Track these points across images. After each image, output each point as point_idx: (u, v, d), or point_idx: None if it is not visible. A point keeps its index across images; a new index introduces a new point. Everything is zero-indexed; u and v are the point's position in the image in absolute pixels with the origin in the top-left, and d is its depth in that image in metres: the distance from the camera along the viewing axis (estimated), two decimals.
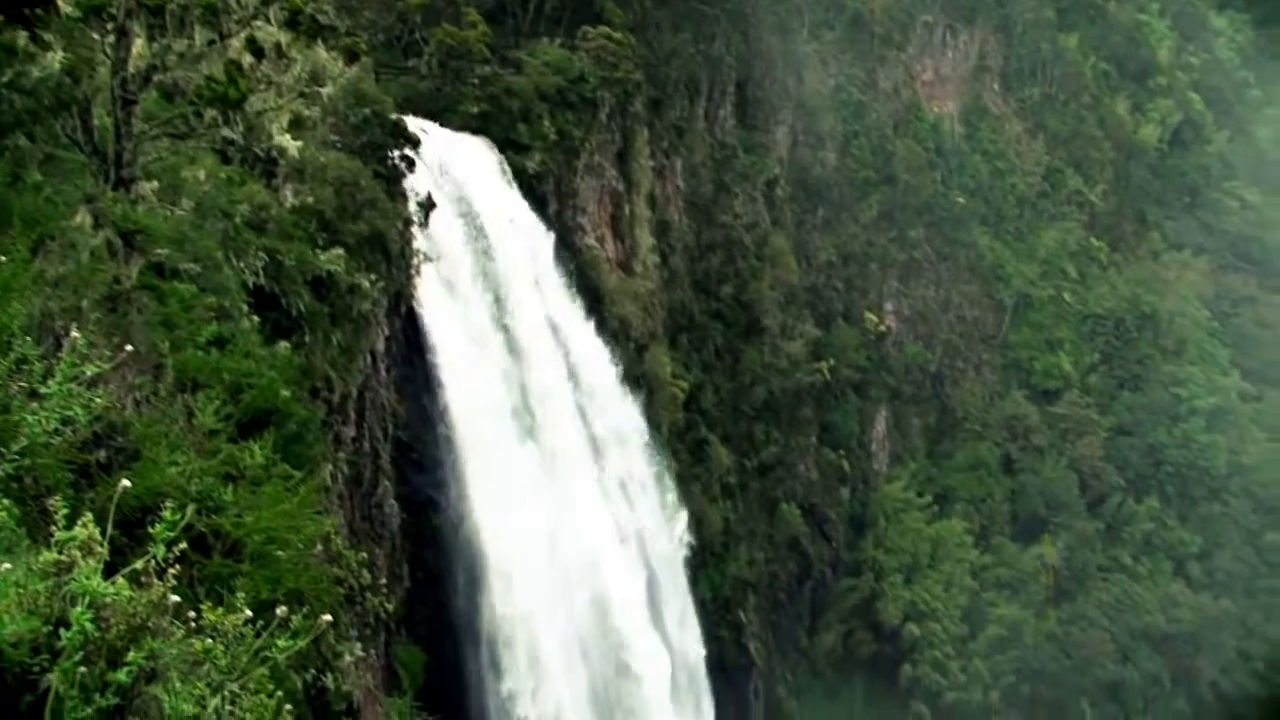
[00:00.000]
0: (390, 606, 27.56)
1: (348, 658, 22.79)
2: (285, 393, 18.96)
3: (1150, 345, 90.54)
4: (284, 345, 22.56)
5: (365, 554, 26.21)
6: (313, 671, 19.77)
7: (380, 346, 30.63)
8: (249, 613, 6.54)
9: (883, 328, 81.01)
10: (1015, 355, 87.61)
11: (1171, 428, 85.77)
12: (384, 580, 27.95)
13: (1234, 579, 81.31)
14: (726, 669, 63.31)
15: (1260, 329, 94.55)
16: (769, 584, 69.40)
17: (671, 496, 54.05)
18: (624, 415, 50.13)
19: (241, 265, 21.52)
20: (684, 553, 55.48)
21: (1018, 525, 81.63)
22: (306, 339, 24.45)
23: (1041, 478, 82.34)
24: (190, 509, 7.86)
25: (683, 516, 55.07)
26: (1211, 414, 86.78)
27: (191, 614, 6.44)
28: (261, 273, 22.26)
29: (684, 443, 59.12)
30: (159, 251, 17.82)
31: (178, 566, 6.47)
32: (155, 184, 19.85)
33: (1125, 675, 76.20)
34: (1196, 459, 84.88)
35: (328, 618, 7.39)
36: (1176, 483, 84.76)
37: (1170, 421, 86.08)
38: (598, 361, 48.16)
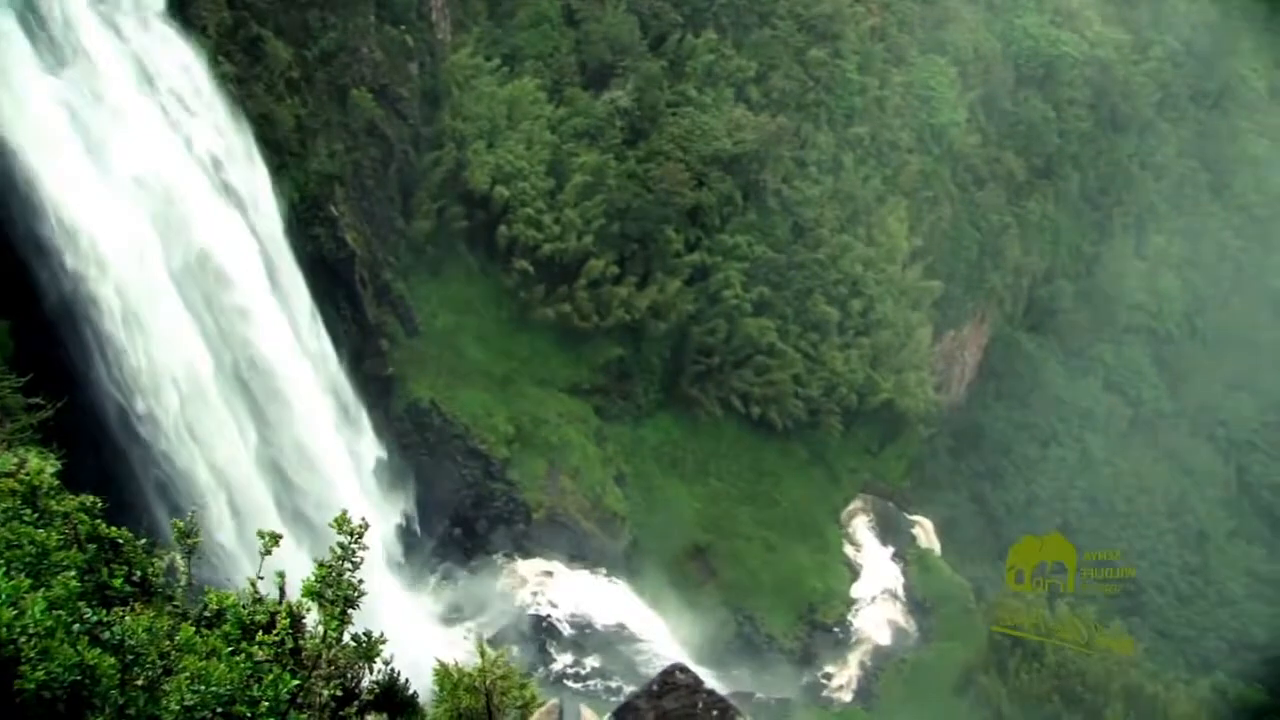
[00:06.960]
0: None
1: None
2: None
3: None
4: None
5: None
6: None
7: None
8: None
9: None
10: None
11: None
12: None
13: (787, 95, 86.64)
14: (328, 263, 63.83)
15: None
16: (354, 173, 68.38)
17: (231, 101, 51.88)
18: (160, 23, 46.91)
19: None
20: (260, 159, 54.24)
21: (587, 74, 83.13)
22: None
23: (604, 25, 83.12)
24: None
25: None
26: None
27: None
28: None
29: (236, 43, 55.52)
30: None
31: None
32: None
33: (702, 198, 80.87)
34: None
35: None
36: (730, 12, 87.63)
37: None
38: None
